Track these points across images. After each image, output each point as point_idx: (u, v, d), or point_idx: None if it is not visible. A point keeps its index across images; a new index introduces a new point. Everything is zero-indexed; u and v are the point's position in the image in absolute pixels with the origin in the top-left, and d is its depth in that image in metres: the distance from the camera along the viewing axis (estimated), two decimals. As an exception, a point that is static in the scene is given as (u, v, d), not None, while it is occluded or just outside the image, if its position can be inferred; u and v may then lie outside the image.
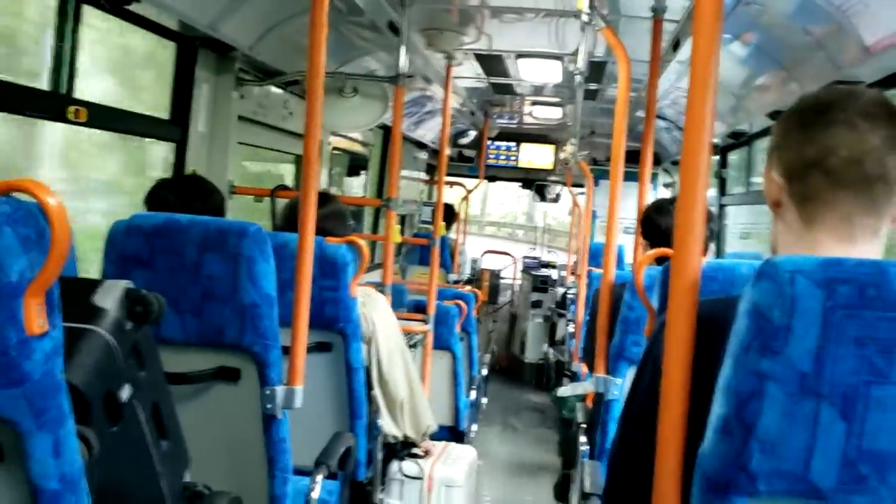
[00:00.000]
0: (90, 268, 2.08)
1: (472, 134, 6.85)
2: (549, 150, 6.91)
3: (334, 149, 4.39)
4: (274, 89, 3.19)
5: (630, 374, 2.01)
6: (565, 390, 2.74)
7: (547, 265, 7.30)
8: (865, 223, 0.88)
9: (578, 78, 3.20)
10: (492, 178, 7.15)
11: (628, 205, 2.80)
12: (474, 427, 4.45)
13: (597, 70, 4.06)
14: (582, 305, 4.24)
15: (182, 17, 2.27)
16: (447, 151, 3.86)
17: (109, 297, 1.07)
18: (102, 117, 2.21)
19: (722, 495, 0.77)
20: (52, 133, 2.35)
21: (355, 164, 5.23)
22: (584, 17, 2.09)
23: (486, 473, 4.21)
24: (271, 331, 1.55)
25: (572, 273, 6.43)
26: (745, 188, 4.31)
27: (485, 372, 4.87)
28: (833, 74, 2.26)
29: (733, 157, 4.62)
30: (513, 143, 6.94)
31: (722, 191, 4.76)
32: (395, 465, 2.54)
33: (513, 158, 6.96)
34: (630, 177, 2.40)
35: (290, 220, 2.15)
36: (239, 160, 3.21)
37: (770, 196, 0.96)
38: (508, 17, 3.26)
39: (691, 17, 2.77)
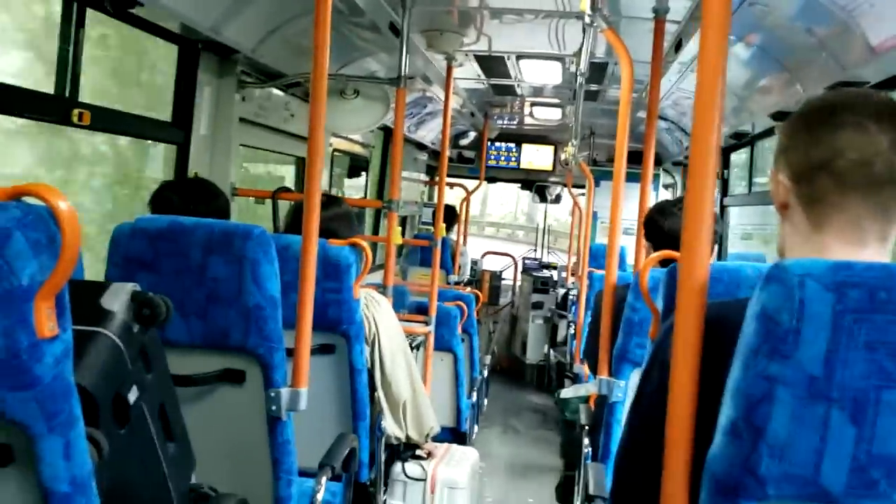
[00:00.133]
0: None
1: (472, 135, 6.85)
2: (549, 150, 6.91)
3: (335, 150, 4.40)
4: (275, 91, 3.19)
5: (633, 376, 2.01)
6: (568, 392, 2.74)
7: (547, 266, 7.30)
8: (874, 227, 0.88)
9: (580, 79, 3.20)
10: (492, 180, 7.16)
11: (628, 206, 2.80)
12: (475, 428, 4.45)
13: (597, 71, 4.06)
14: (583, 307, 4.24)
15: (185, 20, 2.27)
16: (447, 153, 3.86)
17: (117, 300, 1.07)
18: (105, 120, 2.21)
19: (731, 499, 0.77)
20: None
21: (355, 166, 5.23)
22: (587, 19, 2.09)
23: (488, 474, 4.21)
24: (276, 333, 1.55)
25: (573, 274, 6.43)
26: (748, 189, 4.31)
27: (486, 373, 4.87)
28: (837, 75, 2.26)
29: (735, 157, 4.63)
30: (513, 144, 6.94)
31: (724, 192, 4.77)
32: (398, 467, 2.54)
33: (513, 159, 6.96)
34: (631, 177, 2.40)
35: (294, 222, 2.16)
36: (238, 162, 3.21)
37: (777, 198, 0.96)
38: (509, 19, 3.27)
39: (694, 18, 2.80)
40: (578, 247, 6.18)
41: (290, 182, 4.00)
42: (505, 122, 6.48)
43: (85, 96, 2.08)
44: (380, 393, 2.23)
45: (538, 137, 6.88)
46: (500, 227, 19.86)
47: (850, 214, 0.88)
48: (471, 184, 6.54)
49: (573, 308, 5.44)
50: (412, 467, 2.55)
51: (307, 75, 2.97)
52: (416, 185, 6.37)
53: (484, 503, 3.97)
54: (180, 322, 1.54)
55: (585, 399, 2.66)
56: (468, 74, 4.50)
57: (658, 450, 0.88)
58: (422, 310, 3.73)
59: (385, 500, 2.43)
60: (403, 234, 5.77)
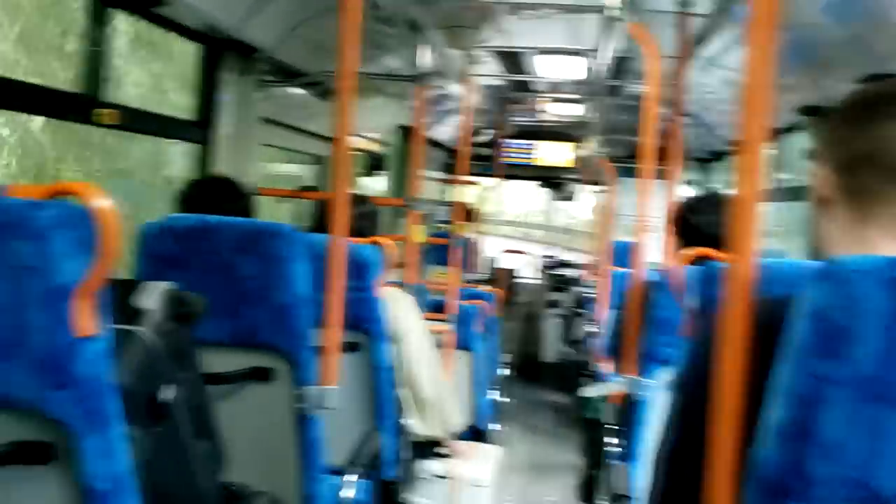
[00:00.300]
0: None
1: (489, 132, 6.83)
2: (565, 147, 6.87)
3: (351, 149, 4.39)
4: (295, 90, 3.19)
5: (660, 374, 1.99)
6: (590, 390, 2.73)
7: (565, 264, 7.27)
8: None
9: (602, 74, 3.18)
10: (508, 177, 7.13)
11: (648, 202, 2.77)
12: (495, 427, 4.45)
13: (618, 66, 4.04)
14: (604, 305, 4.22)
15: (209, 19, 2.28)
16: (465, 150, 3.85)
17: (151, 298, 1.07)
18: (131, 119, 2.22)
19: (778, 501, 0.76)
20: None
21: (372, 164, 5.23)
22: (614, 13, 2.07)
23: (507, 472, 4.20)
24: (304, 331, 1.56)
25: (594, 273, 6.39)
26: (773, 185, 4.27)
27: (505, 372, 4.86)
28: (869, 67, 2.22)
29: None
30: (529, 141, 6.90)
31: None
32: (422, 464, 2.54)
33: (529, 156, 6.93)
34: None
35: (320, 221, 2.16)
36: (258, 161, 3.21)
37: (818, 192, 0.94)
38: (529, 14, 3.25)
39: (721, 12, 2.76)
40: (598, 244, 6.14)
41: (305, 182, 4.01)
42: (521, 118, 6.45)
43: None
44: (404, 391, 2.23)
45: (554, 134, 6.84)
46: (516, 225, 19.51)
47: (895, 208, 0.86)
48: (487, 181, 6.52)
49: (589, 305, 5.41)
50: (436, 465, 2.54)
51: (328, 74, 2.98)
52: (433, 182, 6.36)
53: (504, 501, 3.96)
54: (210, 320, 1.54)
55: (608, 397, 2.65)
56: (487, 71, 4.49)
57: (699, 448, 0.87)
58: (441, 308, 3.72)
59: (409, 498, 2.43)
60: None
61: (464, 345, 3.97)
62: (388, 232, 5.22)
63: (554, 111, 5.81)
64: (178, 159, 3.23)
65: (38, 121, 2.24)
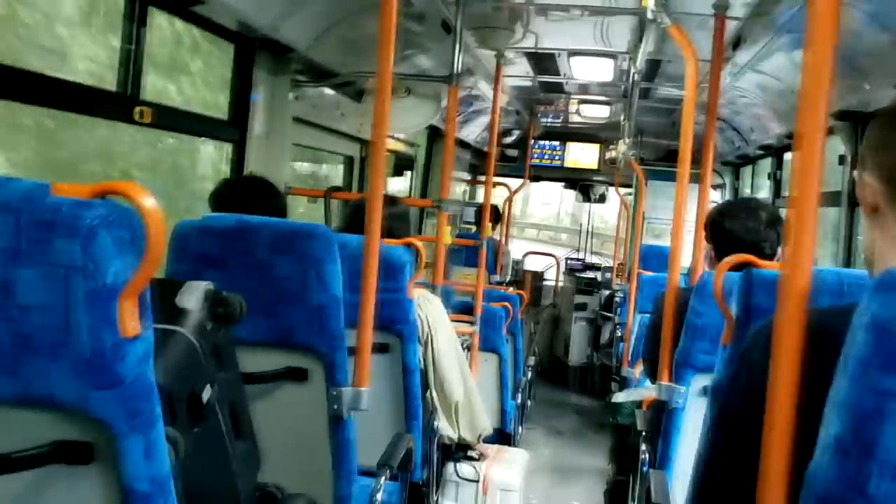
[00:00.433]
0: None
1: (516, 133, 6.80)
2: (594, 149, 6.81)
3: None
4: (327, 91, 3.20)
5: (695, 381, 1.95)
6: (620, 396, 2.70)
7: (592, 267, 7.21)
8: None
9: (636, 76, 3.14)
10: (536, 178, 7.08)
11: (673, 205, 2.73)
12: (520, 430, 4.42)
13: (650, 68, 3.99)
14: (632, 309, 4.17)
15: (244, 18, 2.29)
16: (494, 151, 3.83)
17: (192, 298, 1.07)
18: (167, 118, 2.24)
19: (836, 518, 0.73)
20: None
21: (399, 165, 5.23)
22: (650, 14, 2.04)
23: (531, 475, 4.17)
24: (339, 332, 1.55)
25: (618, 275, 6.33)
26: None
27: (530, 374, 4.83)
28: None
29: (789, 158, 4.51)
30: (557, 143, 6.86)
31: (777, 193, 4.64)
32: (450, 467, 2.53)
33: (557, 158, 6.88)
34: (673, 177, 2.34)
35: (352, 222, 2.15)
36: (288, 161, 3.21)
37: (866, 201, 0.92)
38: (560, 15, 3.22)
39: (756, 14, 2.72)
40: (625, 247, 6.09)
41: (334, 181, 4.02)
42: (550, 119, 6.41)
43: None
44: (433, 393, 2.22)
45: (584, 135, 6.79)
46: (542, 228, 18.96)
47: None
48: (514, 183, 6.49)
49: (619, 310, 5.35)
50: (465, 468, 2.53)
51: (360, 74, 2.98)
52: (460, 183, 6.35)
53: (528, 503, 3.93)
54: (246, 320, 1.55)
55: (639, 403, 2.62)
56: (517, 72, 4.47)
57: (745, 460, 0.85)
58: (467, 310, 3.70)
59: (438, 500, 2.42)
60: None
61: (490, 347, 3.95)
62: (417, 232, 5.23)
63: (584, 112, 5.77)
64: (142, 149, 2.96)
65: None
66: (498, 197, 6.91)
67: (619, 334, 4.77)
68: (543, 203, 19.33)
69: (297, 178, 4.10)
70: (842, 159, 3.38)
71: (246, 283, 1.50)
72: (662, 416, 2.03)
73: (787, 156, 4.53)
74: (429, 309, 2.28)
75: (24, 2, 2.18)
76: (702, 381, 1.92)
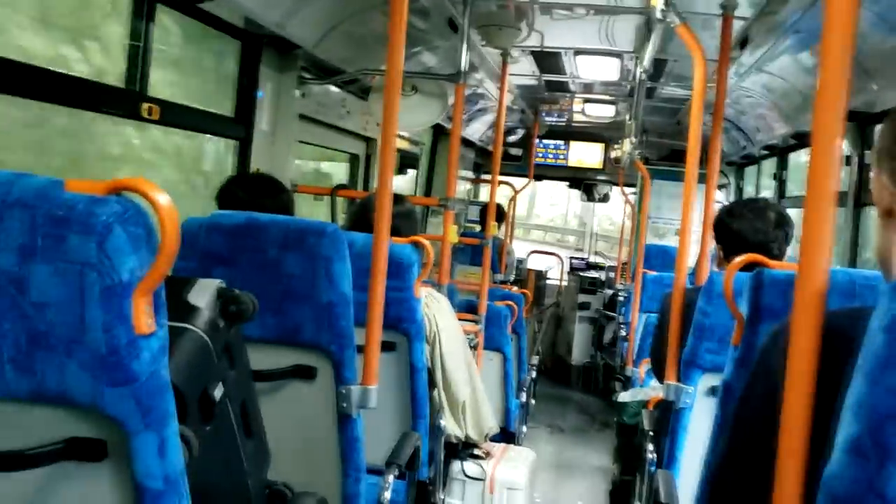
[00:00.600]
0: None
1: (520, 132, 6.79)
2: (598, 148, 6.80)
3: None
4: (332, 88, 3.19)
5: (702, 381, 1.95)
6: (626, 395, 2.69)
7: (594, 266, 7.20)
8: None
9: (642, 76, 3.13)
10: (540, 177, 7.08)
11: (676, 205, 2.73)
12: (524, 429, 4.42)
13: (655, 68, 3.98)
14: (636, 309, 4.17)
15: (251, 15, 2.28)
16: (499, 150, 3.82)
17: (203, 296, 1.07)
18: (172, 115, 2.23)
19: (852, 519, 0.73)
20: None
21: (403, 163, 5.23)
22: (658, 14, 2.04)
23: (534, 473, 4.17)
24: (347, 330, 1.55)
25: (626, 276, 6.32)
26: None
27: (533, 374, 4.83)
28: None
29: (794, 158, 4.50)
30: (561, 142, 6.85)
31: (781, 193, 4.64)
32: (456, 466, 2.52)
33: (561, 157, 6.87)
34: (678, 177, 2.34)
35: (358, 220, 2.15)
36: (293, 158, 3.19)
37: (881, 203, 0.91)
38: (566, 14, 3.22)
39: (763, 14, 2.71)
40: (629, 247, 6.08)
41: (337, 180, 4.01)
42: (554, 118, 6.40)
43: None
44: (440, 391, 2.21)
45: (588, 135, 6.78)
46: (548, 230, 18.45)
47: None
48: (518, 181, 6.48)
49: (622, 310, 5.35)
50: (471, 466, 2.53)
51: (366, 72, 2.97)
52: (463, 182, 6.34)
53: (532, 501, 3.93)
54: (255, 317, 1.54)
55: (645, 403, 2.61)
56: (522, 70, 4.46)
57: (760, 461, 0.84)
58: (471, 308, 3.70)
59: (444, 499, 2.42)
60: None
61: (494, 346, 3.95)
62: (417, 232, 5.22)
63: (588, 112, 5.77)
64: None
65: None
66: (501, 196, 6.90)
67: (623, 333, 4.77)
68: (551, 204, 18.85)
69: (299, 176, 4.09)
70: (847, 160, 3.38)
71: (254, 280, 1.50)
72: (669, 415, 2.03)
73: (792, 156, 4.52)
74: (436, 308, 2.27)
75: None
76: (709, 381, 1.92)
